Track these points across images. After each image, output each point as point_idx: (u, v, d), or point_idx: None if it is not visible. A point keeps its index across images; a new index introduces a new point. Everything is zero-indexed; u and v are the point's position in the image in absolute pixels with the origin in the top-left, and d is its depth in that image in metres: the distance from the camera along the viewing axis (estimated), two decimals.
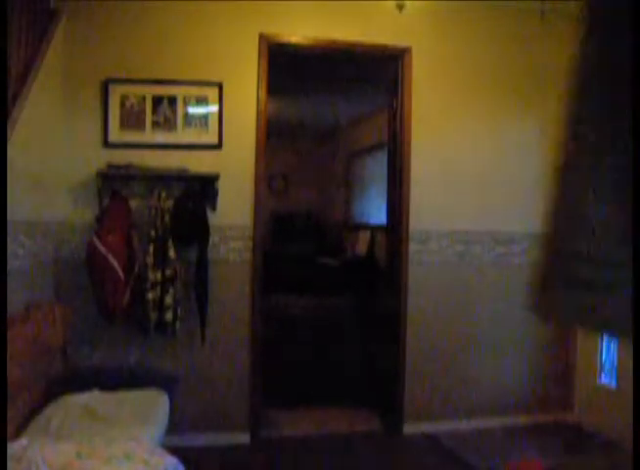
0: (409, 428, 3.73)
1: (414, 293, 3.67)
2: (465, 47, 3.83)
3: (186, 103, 3.47)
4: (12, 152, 2.42)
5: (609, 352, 3.76)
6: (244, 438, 3.54)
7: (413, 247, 3.68)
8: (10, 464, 1.80)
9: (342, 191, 7.79)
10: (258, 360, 3.58)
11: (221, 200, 3.44)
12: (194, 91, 3.48)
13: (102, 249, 3.12)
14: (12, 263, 2.55)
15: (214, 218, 3.44)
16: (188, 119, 3.48)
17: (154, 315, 3.21)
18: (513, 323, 3.83)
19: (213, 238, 3.42)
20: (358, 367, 4.31)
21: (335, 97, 6.06)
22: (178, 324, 3.28)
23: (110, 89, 3.37)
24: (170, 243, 3.25)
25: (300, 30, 3.61)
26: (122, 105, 3.40)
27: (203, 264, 3.35)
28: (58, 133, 3.30)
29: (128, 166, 3.31)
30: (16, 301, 2.53)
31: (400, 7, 3.40)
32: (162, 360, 3.36)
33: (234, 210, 3.53)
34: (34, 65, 2.84)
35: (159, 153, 3.42)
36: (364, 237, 6.55)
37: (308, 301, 4.78)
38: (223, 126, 3.50)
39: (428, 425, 3.72)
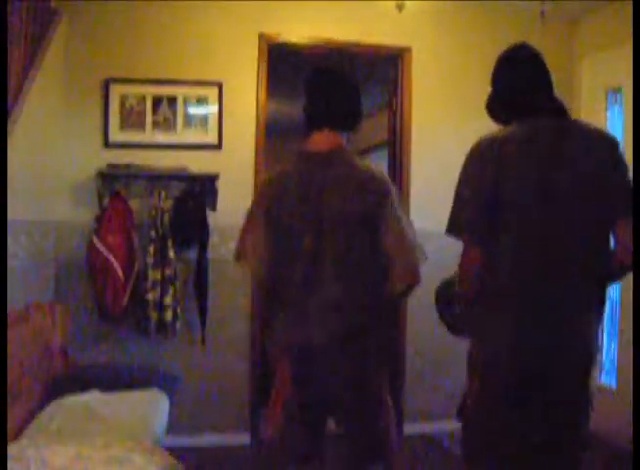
0: (409, 428, 3.73)
1: (414, 292, 3.66)
2: (465, 47, 3.82)
3: (186, 103, 3.47)
4: (12, 152, 2.42)
5: (609, 351, 3.76)
6: (244, 438, 3.54)
7: None
8: (10, 464, 1.80)
9: None
10: (258, 360, 3.58)
11: (221, 200, 3.44)
12: (194, 91, 3.48)
13: (102, 249, 3.12)
14: (12, 263, 2.55)
15: (214, 218, 3.44)
16: (188, 120, 3.48)
17: (154, 315, 3.21)
18: None
19: (213, 238, 3.42)
20: None
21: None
22: (178, 324, 3.28)
23: (110, 89, 3.37)
24: (170, 243, 3.25)
25: (300, 30, 3.61)
26: (122, 105, 3.40)
27: (203, 264, 3.35)
28: (58, 133, 3.30)
29: (128, 166, 3.31)
30: (16, 301, 2.53)
31: (400, 7, 3.40)
32: (162, 360, 3.36)
33: (234, 210, 3.51)
34: (34, 64, 2.84)
35: (159, 153, 3.42)
36: None
37: None
38: (223, 126, 3.50)
39: (428, 425, 3.71)
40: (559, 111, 1.85)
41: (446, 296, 2.05)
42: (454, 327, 2.05)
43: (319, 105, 2.04)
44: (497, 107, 1.95)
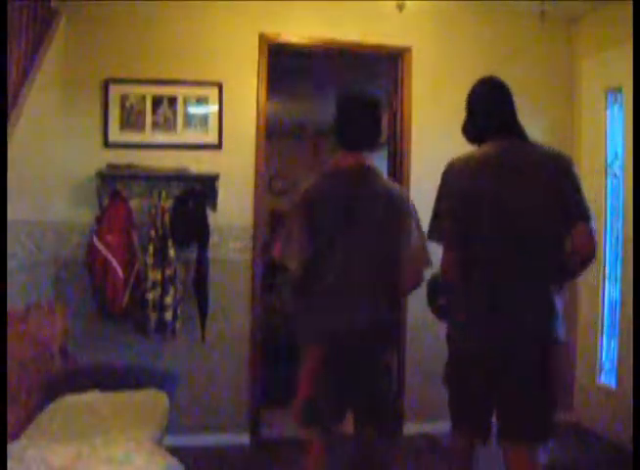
0: (409, 428, 3.73)
1: (413, 293, 3.66)
2: (465, 47, 3.82)
3: (186, 103, 3.47)
4: (12, 152, 2.42)
5: (609, 351, 3.76)
6: (244, 438, 3.54)
7: None
8: (10, 464, 1.80)
9: None
10: (258, 360, 3.58)
11: (221, 200, 3.44)
12: (194, 91, 3.48)
13: (102, 249, 3.12)
14: (12, 263, 2.55)
15: (214, 218, 3.44)
16: (188, 120, 3.48)
17: (154, 315, 3.21)
18: None
19: (213, 238, 3.42)
20: None
21: (335, 97, 6.05)
22: (178, 324, 3.28)
23: (110, 89, 3.37)
24: (170, 243, 3.25)
25: (300, 30, 3.61)
26: (122, 105, 3.40)
27: (203, 264, 3.35)
28: (58, 133, 3.30)
29: (128, 166, 3.31)
30: (16, 301, 2.53)
31: (400, 7, 3.40)
32: (162, 360, 3.36)
33: (234, 210, 3.53)
34: (34, 65, 2.84)
35: (159, 153, 3.42)
36: None
37: None
38: (223, 126, 3.50)
39: (428, 425, 3.71)
40: (520, 135, 2.21)
41: (433, 288, 2.42)
42: (440, 315, 2.41)
43: (351, 130, 2.35)
44: (470, 131, 2.31)
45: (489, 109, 2.25)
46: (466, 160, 2.22)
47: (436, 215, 2.25)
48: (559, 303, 2.13)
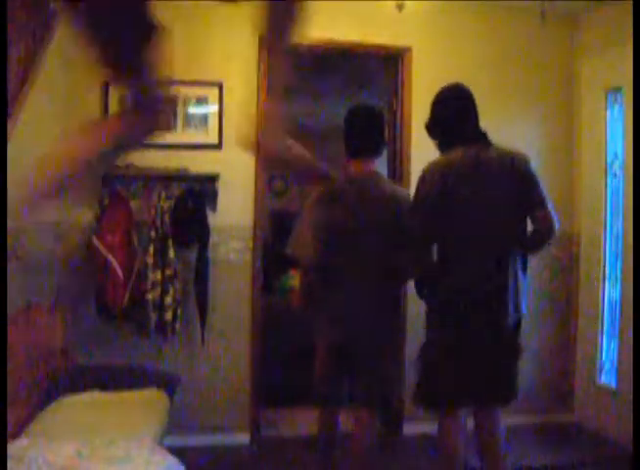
0: (409, 428, 3.73)
1: (413, 293, 3.66)
2: (465, 47, 3.82)
3: (186, 103, 3.47)
4: (11, 152, 2.42)
5: (609, 351, 3.76)
6: (244, 438, 3.54)
7: None
8: (10, 464, 1.80)
9: None
10: (258, 360, 3.58)
11: (221, 200, 3.44)
12: (194, 91, 3.48)
13: (102, 249, 3.12)
14: (12, 263, 2.55)
15: (214, 218, 3.44)
16: (188, 120, 3.48)
17: (154, 315, 3.21)
18: None
19: (213, 238, 3.42)
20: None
21: (334, 97, 6.06)
22: (178, 324, 3.28)
23: (110, 89, 3.37)
24: (170, 243, 3.25)
25: (300, 30, 3.60)
26: (122, 105, 3.40)
27: (203, 264, 3.35)
28: (58, 133, 3.30)
29: (128, 166, 3.31)
30: (16, 301, 2.53)
31: (400, 7, 3.40)
32: (162, 360, 3.36)
33: (234, 210, 3.53)
34: (34, 65, 2.84)
35: (158, 153, 3.42)
36: None
37: None
38: (223, 126, 3.49)
39: (428, 425, 3.71)
40: (484, 139, 2.52)
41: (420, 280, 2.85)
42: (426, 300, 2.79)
43: (359, 139, 2.68)
44: (433, 131, 2.63)
45: (455, 116, 2.56)
46: (440, 164, 2.52)
47: (415, 212, 2.56)
48: (524, 278, 2.50)
